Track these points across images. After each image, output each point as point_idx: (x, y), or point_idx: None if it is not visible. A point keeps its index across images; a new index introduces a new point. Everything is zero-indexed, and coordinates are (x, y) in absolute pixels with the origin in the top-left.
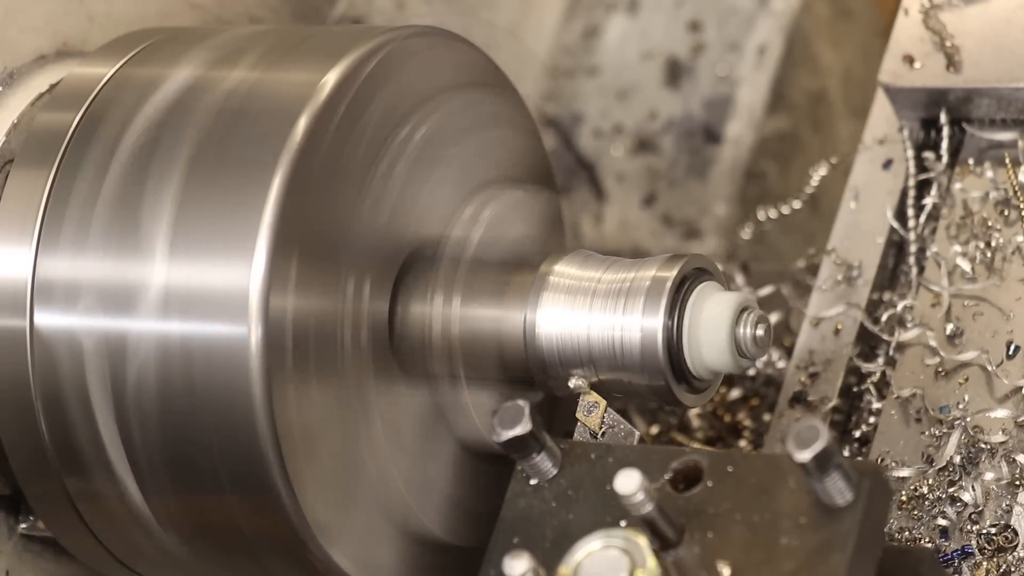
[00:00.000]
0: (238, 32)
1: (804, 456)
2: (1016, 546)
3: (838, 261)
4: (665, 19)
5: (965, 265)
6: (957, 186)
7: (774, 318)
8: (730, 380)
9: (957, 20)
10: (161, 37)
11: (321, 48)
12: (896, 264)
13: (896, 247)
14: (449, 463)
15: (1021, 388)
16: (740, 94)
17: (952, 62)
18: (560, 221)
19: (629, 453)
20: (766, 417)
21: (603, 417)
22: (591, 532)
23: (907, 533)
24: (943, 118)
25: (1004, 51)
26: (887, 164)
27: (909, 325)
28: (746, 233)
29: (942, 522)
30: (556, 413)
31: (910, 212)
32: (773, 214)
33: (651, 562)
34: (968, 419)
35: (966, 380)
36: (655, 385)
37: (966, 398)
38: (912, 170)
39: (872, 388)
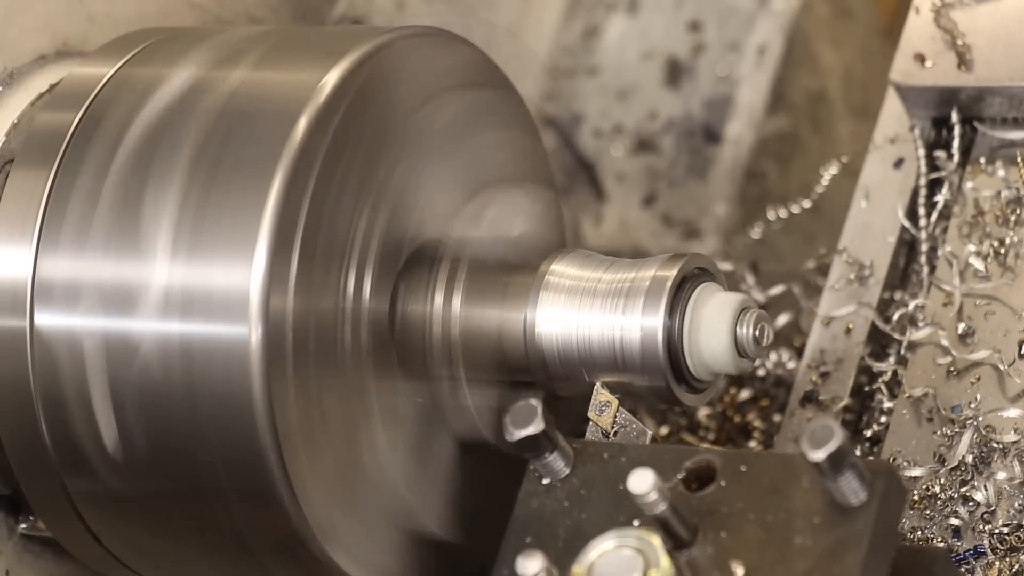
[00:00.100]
0: (238, 32)
1: (818, 456)
2: None
3: (849, 260)
4: (665, 19)
5: (978, 264)
6: (968, 185)
7: (784, 318)
8: (740, 381)
9: (968, 18)
10: (161, 37)
11: (321, 48)
12: (907, 263)
13: (907, 246)
14: (449, 463)
15: None
16: (740, 94)
17: (963, 61)
18: (560, 221)
19: (642, 452)
20: (776, 418)
21: (615, 416)
22: (604, 532)
23: (919, 533)
24: (954, 117)
25: (1016, 49)
26: (898, 163)
27: (921, 324)
28: (755, 233)
29: (954, 522)
30: (557, 413)
31: (921, 211)
32: (783, 214)
33: (665, 562)
34: (980, 418)
35: (978, 379)
36: (655, 385)
37: (978, 397)
38: (923, 169)
39: (883, 387)
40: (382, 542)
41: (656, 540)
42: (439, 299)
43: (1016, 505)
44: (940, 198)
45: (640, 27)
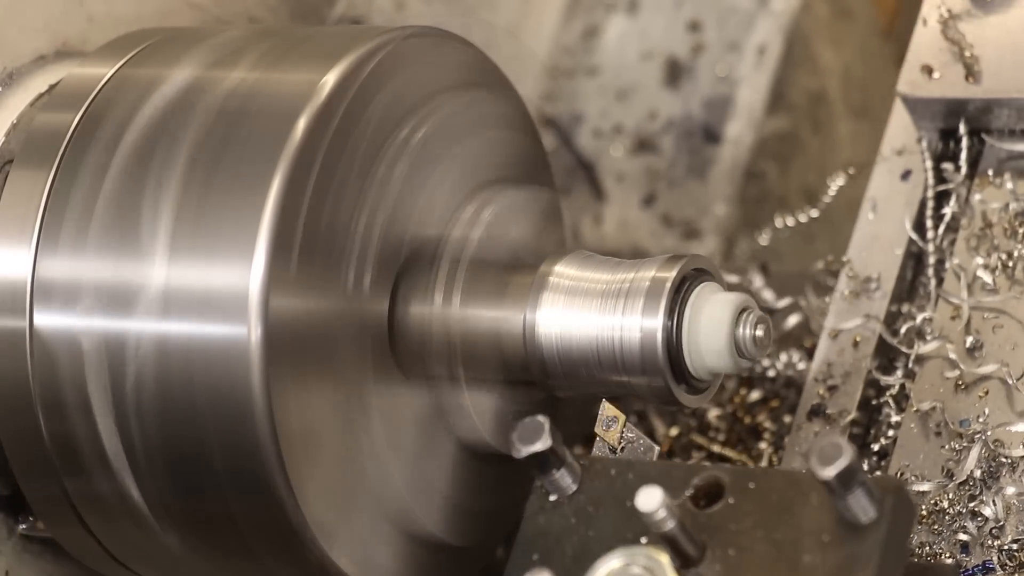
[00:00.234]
0: (238, 32)
1: (828, 473)
2: None
3: (851, 274)
4: (665, 19)
5: (986, 277)
6: (976, 197)
7: (794, 320)
8: (750, 382)
9: (976, 30)
10: (161, 37)
11: (321, 48)
12: (915, 276)
13: (915, 259)
14: (448, 463)
15: None
16: (740, 94)
17: (971, 72)
18: (560, 221)
19: (650, 469)
20: (787, 419)
21: (622, 432)
22: (612, 549)
23: (928, 548)
24: (962, 129)
25: None
26: (905, 175)
27: (928, 338)
28: (764, 239)
29: (963, 537)
30: (557, 413)
31: (929, 223)
32: (791, 222)
33: None
34: (988, 433)
35: (986, 393)
36: (655, 385)
37: (986, 411)
38: (931, 181)
39: (891, 401)
40: (382, 542)
41: (664, 558)
42: (439, 299)
43: None
44: (948, 210)
45: (640, 27)
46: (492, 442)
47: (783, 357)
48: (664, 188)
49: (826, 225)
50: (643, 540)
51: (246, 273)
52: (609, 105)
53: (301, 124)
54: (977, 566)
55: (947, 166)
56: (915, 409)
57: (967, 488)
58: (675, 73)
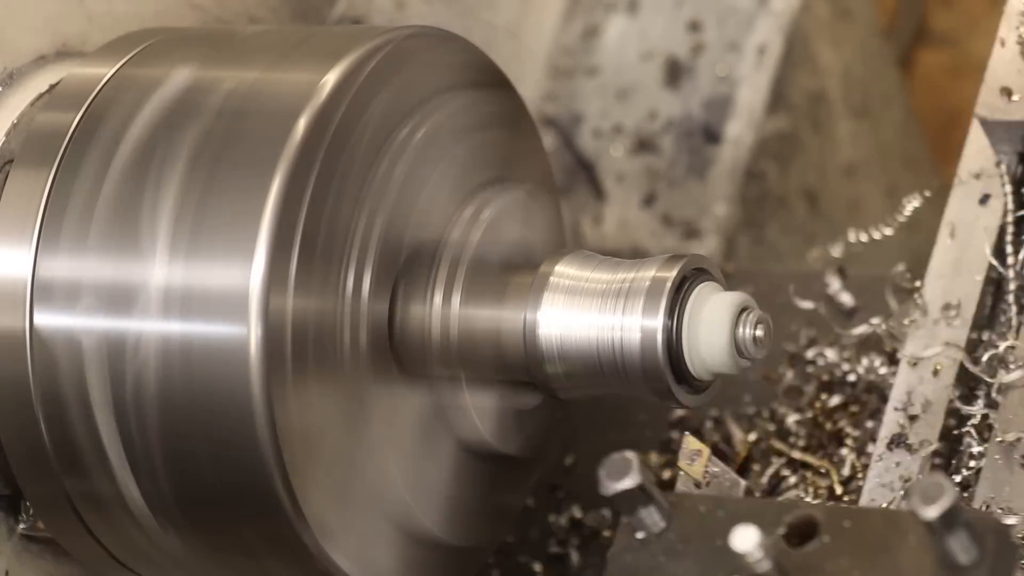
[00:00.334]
0: (238, 32)
1: (930, 514)
2: None
3: (919, 300)
4: (665, 19)
5: None
6: None
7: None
8: (830, 387)
9: None
10: (161, 37)
11: (321, 48)
12: (995, 303)
13: (995, 285)
14: (449, 463)
15: None
16: (740, 94)
17: None
18: (560, 221)
19: (740, 507)
20: (869, 424)
21: (706, 466)
22: None
23: None
24: None
25: None
26: (984, 199)
27: (1012, 367)
28: (836, 251)
29: None
30: (556, 414)
31: (1009, 248)
32: (864, 237)
33: None
34: None
35: None
36: (655, 385)
37: None
38: (1010, 205)
39: (973, 431)
40: (382, 542)
41: None
42: (438, 299)
43: None
44: None
45: (640, 27)
46: (492, 442)
47: (864, 361)
48: (664, 188)
49: (826, 225)
50: None
51: (246, 273)
52: (609, 105)
53: (301, 124)
54: None
55: None
56: (999, 440)
57: None
58: (675, 73)
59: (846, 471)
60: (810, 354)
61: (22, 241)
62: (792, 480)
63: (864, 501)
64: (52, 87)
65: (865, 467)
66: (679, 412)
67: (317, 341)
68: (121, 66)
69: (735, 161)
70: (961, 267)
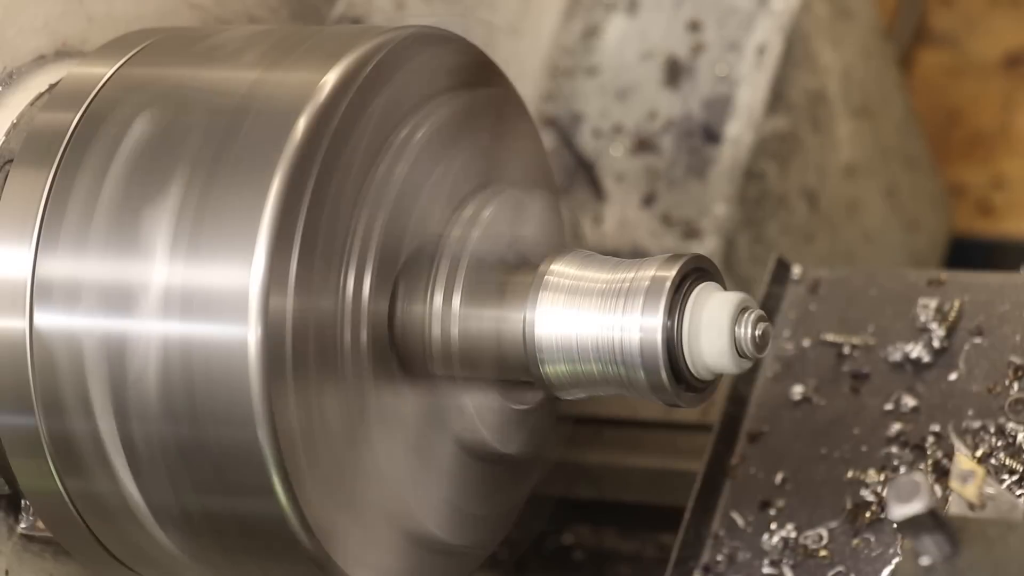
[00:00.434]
0: (238, 32)
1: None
2: None
3: None
4: (665, 19)
5: None
6: None
7: None
8: None
9: None
10: (161, 37)
11: (321, 48)
12: None
13: None
14: (449, 463)
15: None
16: (740, 94)
17: None
18: (560, 221)
19: None
20: None
21: (981, 488)
22: None
23: None
24: None
25: None
26: None
27: None
28: None
29: None
30: (556, 414)
31: None
32: None
33: None
34: None
35: None
36: (655, 385)
37: None
38: None
39: None
40: (382, 542)
41: None
42: (438, 299)
43: None
44: None
45: (640, 27)
46: (492, 442)
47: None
48: (664, 188)
49: (826, 225)
50: None
51: (246, 273)
52: (609, 105)
53: (301, 124)
54: None
55: None
56: None
57: None
58: (675, 73)
59: None
60: None
61: (22, 241)
62: None
63: None
64: (52, 87)
65: None
66: (896, 427)
67: (317, 341)
68: (121, 66)
69: (735, 161)
70: None
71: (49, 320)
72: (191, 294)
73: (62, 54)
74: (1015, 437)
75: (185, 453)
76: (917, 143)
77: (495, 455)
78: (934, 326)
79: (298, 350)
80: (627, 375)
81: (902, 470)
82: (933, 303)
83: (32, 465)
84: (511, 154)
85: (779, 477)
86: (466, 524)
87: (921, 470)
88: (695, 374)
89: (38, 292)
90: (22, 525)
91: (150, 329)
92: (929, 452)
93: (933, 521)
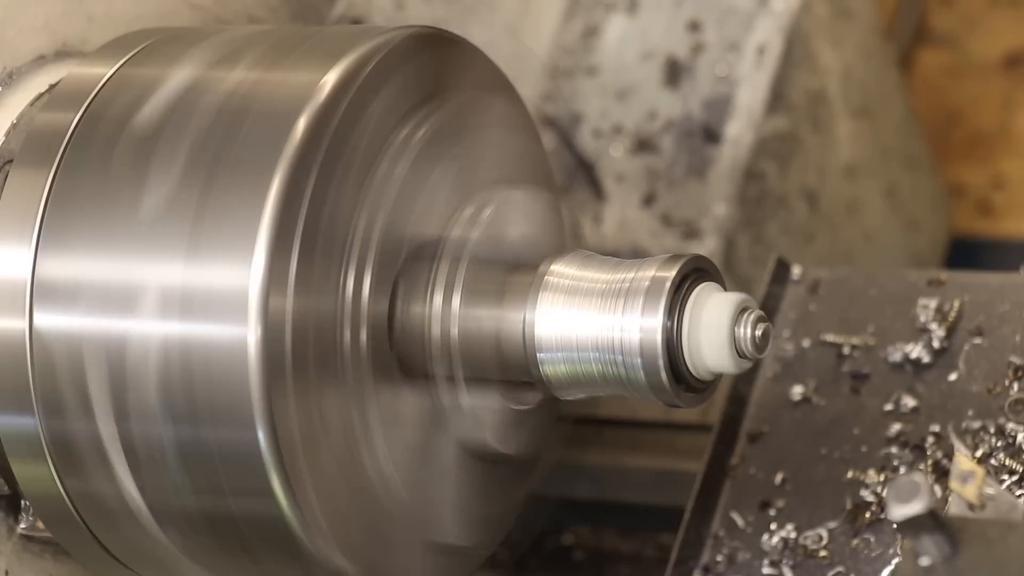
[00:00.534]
0: (238, 32)
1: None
2: None
3: None
4: (665, 19)
5: None
6: None
7: None
8: None
9: None
10: (161, 37)
11: (321, 48)
12: None
13: None
14: (449, 464)
15: None
16: (739, 94)
17: None
18: (560, 221)
19: None
20: None
21: (981, 488)
22: None
23: None
24: None
25: None
26: None
27: None
28: None
29: None
30: (556, 414)
31: None
32: None
33: None
34: None
35: None
36: (655, 386)
37: None
38: None
39: None
40: (382, 542)
41: None
42: (438, 299)
43: None
44: None
45: (640, 27)
46: (492, 442)
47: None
48: (664, 188)
49: (826, 225)
50: None
51: (246, 273)
52: (609, 105)
53: (301, 124)
54: None
55: None
56: None
57: None
58: (675, 73)
59: None
60: None
61: (22, 241)
62: None
63: None
64: (52, 87)
65: None
66: (896, 427)
67: (317, 341)
68: (121, 66)
69: (735, 161)
70: None
71: (49, 320)
72: (191, 294)
73: (62, 54)
74: (1015, 437)
75: (185, 453)
76: (917, 143)
77: (495, 455)
78: (934, 326)
79: (298, 350)
80: (627, 375)
81: (902, 470)
82: (933, 303)
83: (32, 465)
84: (511, 154)
85: (779, 477)
86: (466, 524)
87: (921, 470)
88: (695, 374)
89: (38, 292)
90: (22, 525)
91: (150, 329)
92: (929, 452)
93: (933, 521)
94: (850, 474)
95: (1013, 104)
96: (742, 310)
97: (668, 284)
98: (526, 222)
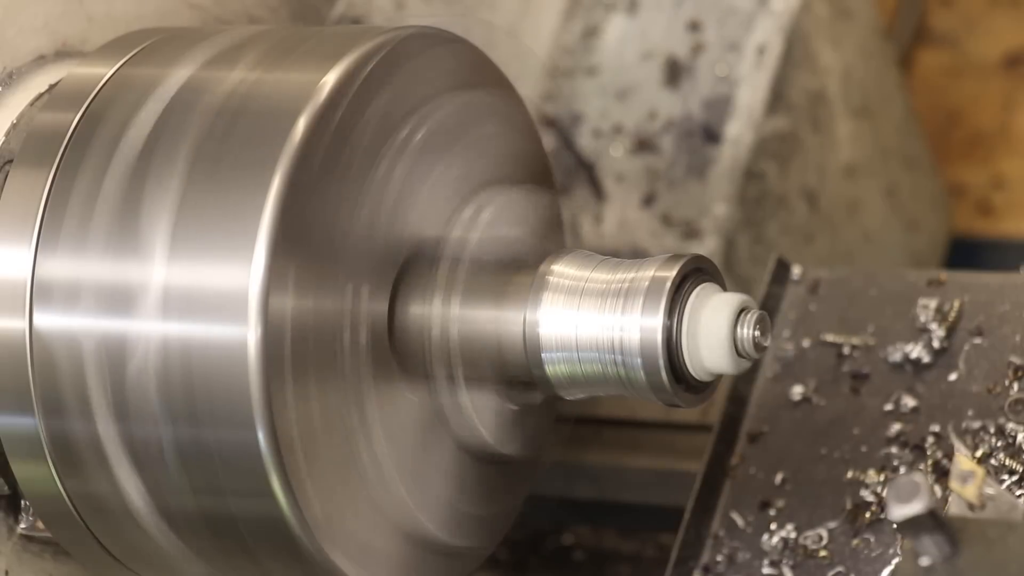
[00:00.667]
0: (238, 32)
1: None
2: None
3: None
4: (665, 19)
5: None
6: None
7: None
8: None
9: None
10: (161, 37)
11: (321, 48)
12: None
13: None
14: (448, 464)
15: None
16: (739, 94)
17: None
18: (560, 221)
19: None
20: None
21: (981, 488)
22: None
23: None
24: None
25: None
26: None
27: None
28: None
29: None
30: (555, 415)
31: None
32: None
33: None
34: None
35: None
36: (655, 386)
37: None
38: None
39: None
40: (382, 543)
41: None
42: (438, 299)
43: None
44: None
45: (640, 27)
46: (492, 442)
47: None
48: (664, 188)
49: (826, 225)
50: None
51: (245, 273)
52: (609, 105)
53: (301, 124)
54: None
55: None
56: None
57: None
58: (675, 73)
59: None
60: None
61: (22, 241)
62: None
63: None
64: (52, 87)
65: None
66: (896, 427)
67: (316, 342)
68: (121, 66)
69: (735, 161)
70: None
71: (49, 320)
72: (191, 294)
73: (62, 54)
74: (1015, 437)
75: (184, 454)
76: (917, 143)
77: (495, 455)
78: (934, 326)
79: (297, 351)
80: (627, 375)
81: (902, 470)
82: (933, 303)
83: (32, 466)
84: (511, 154)
85: (779, 477)
86: (466, 524)
87: (921, 470)
88: (695, 374)
89: (38, 292)
90: (22, 525)
91: (150, 329)
92: (929, 452)
93: (933, 521)
94: (850, 474)
95: (1013, 104)
96: (742, 310)
97: (668, 284)
98: (526, 222)
